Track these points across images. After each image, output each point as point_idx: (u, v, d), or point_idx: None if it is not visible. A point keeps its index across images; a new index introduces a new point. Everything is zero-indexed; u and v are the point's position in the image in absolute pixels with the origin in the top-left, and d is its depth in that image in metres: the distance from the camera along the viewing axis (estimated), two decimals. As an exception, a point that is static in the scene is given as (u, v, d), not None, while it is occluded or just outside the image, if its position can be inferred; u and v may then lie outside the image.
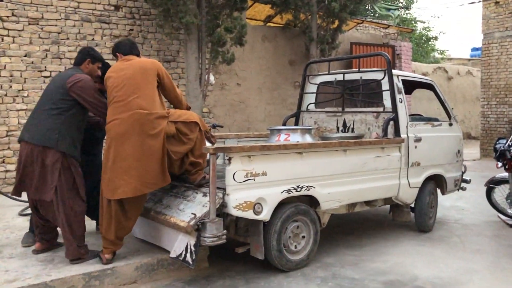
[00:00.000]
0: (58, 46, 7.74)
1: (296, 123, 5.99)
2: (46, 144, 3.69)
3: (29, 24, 7.49)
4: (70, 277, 3.45)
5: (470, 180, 6.15)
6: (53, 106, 3.75)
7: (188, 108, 4.21)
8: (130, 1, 8.50)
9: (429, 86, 5.77)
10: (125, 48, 3.98)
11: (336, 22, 10.62)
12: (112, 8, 8.31)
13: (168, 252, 3.79)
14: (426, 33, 26.43)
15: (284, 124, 5.95)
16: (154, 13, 8.55)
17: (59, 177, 3.70)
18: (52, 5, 7.68)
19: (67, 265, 3.67)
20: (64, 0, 7.78)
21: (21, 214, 5.55)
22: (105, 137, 3.94)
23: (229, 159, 3.50)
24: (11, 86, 7.33)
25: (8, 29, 7.31)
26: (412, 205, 5.30)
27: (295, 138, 4.55)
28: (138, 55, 4.00)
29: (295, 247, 4.03)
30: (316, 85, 5.88)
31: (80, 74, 3.88)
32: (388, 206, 5.46)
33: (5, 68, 7.29)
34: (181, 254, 3.58)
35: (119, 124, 3.60)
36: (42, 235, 4.02)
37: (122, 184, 3.56)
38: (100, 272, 3.57)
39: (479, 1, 13.20)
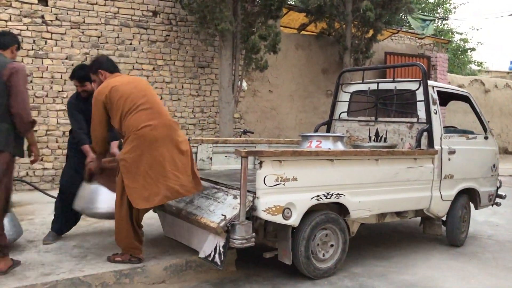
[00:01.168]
0: (98, 49, 7.98)
1: (328, 131, 5.95)
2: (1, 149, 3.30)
3: (71, 28, 7.76)
4: (102, 273, 3.55)
5: (505, 196, 5.98)
6: None
7: None
8: (168, 8, 8.70)
9: (464, 98, 5.66)
10: (109, 65, 3.90)
11: (371, 32, 10.56)
12: (150, 14, 8.53)
13: (197, 253, 3.84)
14: (464, 44, 25.81)
15: (315, 132, 5.94)
16: (191, 19, 8.72)
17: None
18: (93, 10, 7.94)
19: (99, 261, 3.79)
20: (104, 5, 8.04)
21: None
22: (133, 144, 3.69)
23: (260, 163, 3.53)
24: (51, 87, 7.61)
25: (52, 33, 7.60)
26: (444, 218, 5.21)
27: (327, 145, 4.55)
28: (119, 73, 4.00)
29: (323, 255, 4.01)
30: (349, 94, 5.85)
31: (13, 61, 3.42)
32: (419, 218, 5.37)
33: (47, 69, 7.57)
34: (210, 254, 3.63)
35: (154, 130, 3.59)
36: None
37: (162, 189, 3.59)
38: (131, 270, 3.66)
39: (520, 13, 12.86)
